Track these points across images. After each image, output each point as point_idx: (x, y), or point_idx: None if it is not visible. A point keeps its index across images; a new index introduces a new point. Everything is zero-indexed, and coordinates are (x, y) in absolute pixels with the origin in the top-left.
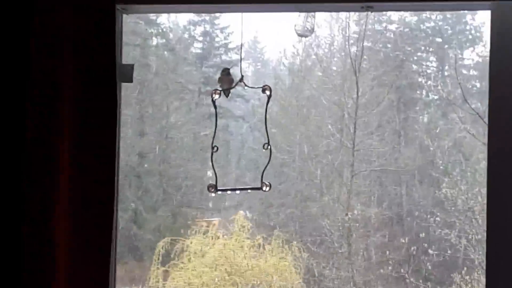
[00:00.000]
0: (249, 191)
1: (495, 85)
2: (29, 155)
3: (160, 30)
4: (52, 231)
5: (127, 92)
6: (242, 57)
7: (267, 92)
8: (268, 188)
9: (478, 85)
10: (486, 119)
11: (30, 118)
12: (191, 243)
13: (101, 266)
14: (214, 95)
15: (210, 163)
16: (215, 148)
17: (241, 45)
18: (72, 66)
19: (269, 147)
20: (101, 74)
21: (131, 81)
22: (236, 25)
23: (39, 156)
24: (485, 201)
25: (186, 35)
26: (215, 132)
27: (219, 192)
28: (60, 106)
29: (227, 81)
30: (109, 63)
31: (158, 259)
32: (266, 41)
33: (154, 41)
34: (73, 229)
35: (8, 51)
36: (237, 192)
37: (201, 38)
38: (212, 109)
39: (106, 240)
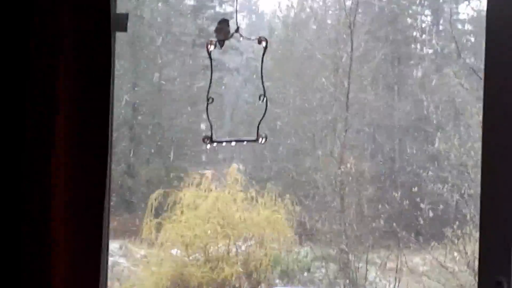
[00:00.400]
0: (244, 143)
1: (492, 40)
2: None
3: None
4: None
5: (121, 43)
6: (237, 9)
7: (263, 44)
8: (264, 140)
9: (472, 39)
10: (480, 74)
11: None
12: (184, 195)
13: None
14: (209, 46)
15: (204, 115)
16: (211, 100)
17: (236, 3)
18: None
19: (265, 98)
20: (94, 24)
21: (125, 30)
22: None
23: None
24: (478, 156)
25: None
26: (210, 83)
27: (214, 144)
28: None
29: (224, 32)
30: (103, 13)
31: (151, 211)
32: None
33: None
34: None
35: (8, 50)
36: (233, 144)
37: None
38: (206, 62)
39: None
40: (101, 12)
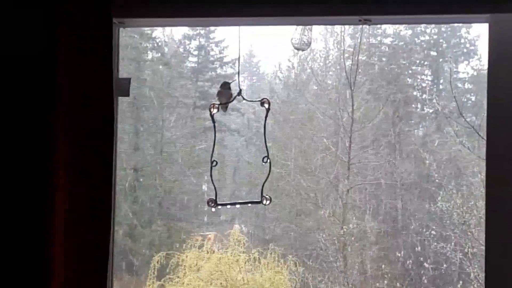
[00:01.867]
0: (249, 205)
1: (493, 98)
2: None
3: (155, 45)
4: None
5: (122, 107)
6: (237, 71)
7: (266, 105)
8: (268, 202)
9: (473, 98)
10: (481, 133)
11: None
12: (186, 257)
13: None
14: (212, 110)
15: (206, 177)
16: (214, 163)
17: (238, 58)
18: (68, 80)
19: (268, 160)
20: (99, 87)
21: (128, 95)
22: (231, 39)
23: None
24: (480, 215)
25: (181, 49)
26: (214, 146)
27: (219, 207)
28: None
29: (226, 95)
30: (107, 77)
31: (154, 273)
32: (261, 55)
33: (149, 55)
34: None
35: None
36: (237, 206)
37: (196, 52)
38: (207, 123)
39: (104, 252)
40: (99, 25)
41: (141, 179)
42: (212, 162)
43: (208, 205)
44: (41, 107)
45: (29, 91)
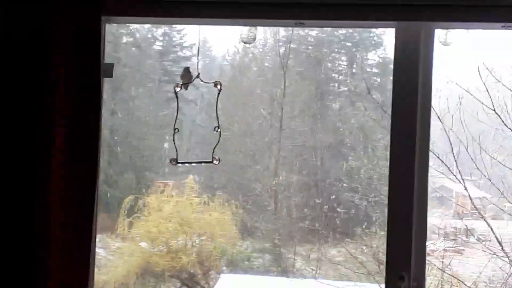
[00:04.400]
0: (202, 164)
1: (396, 83)
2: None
3: (129, 31)
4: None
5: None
6: (194, 53)
7: (218, 87)
8: (217, 162)
9: (378, 80)
10: (384, 108)
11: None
12: (150, 200)
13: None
14: (176, 88)
15: (167, 137)
16: (177, 130)
17: (198, 49)
18: (64, 66)
19: (219, 129)
20: (89, 71)
21: (112, 77)
22: (189, 28)
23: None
24: (382, 171)
25: (149, 35)
26: (176, 118)
27: (179, 164)
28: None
29: (187, 77)
30: (96, 64)
31: (125, 212)
32: (213, 41)
33: (124, 39)
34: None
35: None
36: (193, 164)
37: (161, 38)
38: (169, 94)
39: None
40: (89, 21)
41: (116, 137)
42: (174, 129)
43: (170, 163)
44: (38, 88)
45: (27, 71)
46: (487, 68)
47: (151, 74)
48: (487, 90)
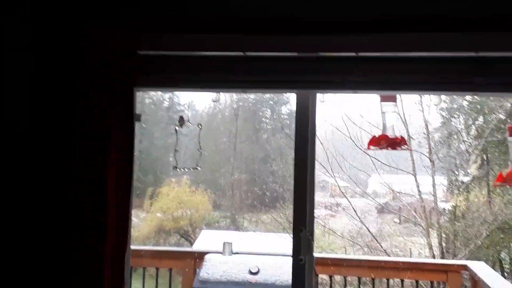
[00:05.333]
0: (191, 169)
1: (298, 124)
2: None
3: (148, 94)
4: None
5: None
6: (185, 108)
7: (200, 126)
8: (200, 168)
9: (288, 122)
10: (291, 137)
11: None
12: (162, 190)
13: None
14: (176, 127)
15: (171, 155)
16: (176, 152)
17: (188, 106)
18: (119, 113)
19: (200, 150)
20: (129, 119)
21: (139, 121)
22: (183, 93)
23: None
24: (290, 172)
25: (160, 98)
26: (176, 143)
27: (178, 170)
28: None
29: (182, 121)
30: (130, 115)
31: (148, 197)
32: (196, 100)
33: (147, 99)
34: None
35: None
36: (186, 170)
37: (167, 99)
38: (172, 131)
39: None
40: (129, 115)
41: (142, 155)
42: (175, 150)
43: (173, 169)
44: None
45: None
46: (345, 114)
47: (162, 119)
48: (346, 127)
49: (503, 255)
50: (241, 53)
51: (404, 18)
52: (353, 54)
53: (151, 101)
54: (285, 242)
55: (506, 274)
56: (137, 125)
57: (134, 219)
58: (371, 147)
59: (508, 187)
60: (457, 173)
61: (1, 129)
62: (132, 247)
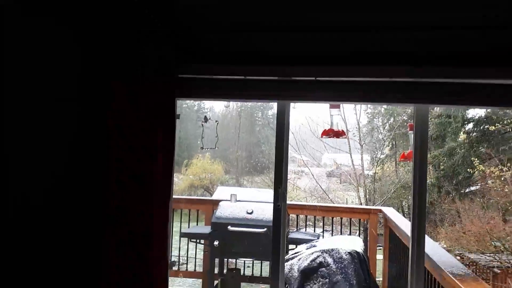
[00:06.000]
0: (211, 149)
1: (278, 122)
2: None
3: (185, 102)
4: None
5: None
6: (208, 111)
7: (217, 122)
8: (217, 148)
9: (272, 120)
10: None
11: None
12: (193, 161)
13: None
14: (202, 122)
15: (199, 140)
16: (202, 137)
17: (209, 109)
18: (163, 119)
19: (217, 137)
20: (168, 121)
21: (179, 119)
22: (207, 102)
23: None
24: (274, 151)
25: (192, 104)
26: (202, 133)
27: (203, 149)
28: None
29: (205, 119)
30: (173, 118)
31: (184, 165)
32: (215, 106)
33: (183, 105)
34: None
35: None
36: (208, 149)
37: (197, 105)
38: (200, 125)
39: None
40: (171, 115)
41: (179, 140)
42: (202, 137)
43: (200, 148)
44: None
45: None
46: (309, 116)
47: (193, 117)
48: (308, 123)
49: (404, 203)
50: (242, 77)
51: (347, 55)
52: (313, 78)
53: (186, 105)
54: (269, 194)
55: (405, 215)
56: (177, 121)
57: (176, 179)
58: (324, 136)
59: (408, 161)
60: (376, 152)
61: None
62: (175, 196)
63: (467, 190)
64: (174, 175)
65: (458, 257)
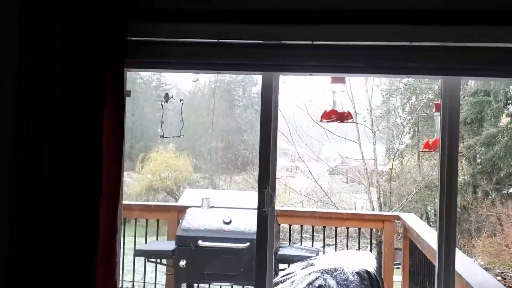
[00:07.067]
0: (175, 137)
1: (263, 101)
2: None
3: (139, 74)
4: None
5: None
6: (171, 88)
7: (182, 102)
8: (182, 136)
9: (256, 99)
10: (259, 112)
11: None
12: (151, 155)
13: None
14: (163, 102)
15: (159, 126)
16: (162, 123)
17: (172, 85)
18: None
19: (182, 121)
20: (120, 95)
21: (129, 96)
22: (168, 74)
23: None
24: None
25: (150, 78)
26: (162, 116)
27: (164, 138)
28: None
29: (167, 97)
30: (121, 92)
31: (139, 160)
32: (178, 80)
33: (138, 79)
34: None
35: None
36: (171, 138)
37: (156, 78)
38: (159, 106)
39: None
40: (120, 92)
41: (135, 126)
42: (162, 122)
43: (160, 137)
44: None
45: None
46: (305, 94)
47: (151, 96)
48: (305, 104)
49: (429, 208)
50: (215, 40)
51: (352, 12)
52: (309, 42)
53: (141, 80)
54: (253, 198)
55: (431, 224)
56: (129, 100)
57: (128, 179)
58: (324, 120)
59: (433, 152)
60: (393, 142)
61: None
62: (126, 202)
63: (510, 190)
64: (126, 173)
65: (499, 277)
